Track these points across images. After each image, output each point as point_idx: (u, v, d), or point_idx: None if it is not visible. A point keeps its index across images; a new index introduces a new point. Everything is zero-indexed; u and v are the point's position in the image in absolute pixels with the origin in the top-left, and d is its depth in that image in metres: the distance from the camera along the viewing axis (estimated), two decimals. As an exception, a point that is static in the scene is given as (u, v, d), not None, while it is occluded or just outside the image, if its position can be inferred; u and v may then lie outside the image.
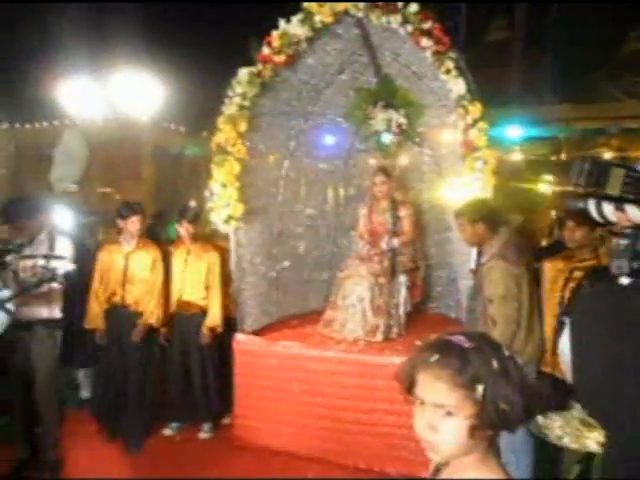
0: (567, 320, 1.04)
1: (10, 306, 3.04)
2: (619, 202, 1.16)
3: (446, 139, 4.12)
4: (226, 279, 4.29)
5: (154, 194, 8.47)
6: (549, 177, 7.94)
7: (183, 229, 4.17)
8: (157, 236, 4.59)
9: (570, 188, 1.19)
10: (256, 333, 4.22)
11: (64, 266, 3.30)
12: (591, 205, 1.21)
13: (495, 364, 1.04)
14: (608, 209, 1.18)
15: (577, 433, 2.19)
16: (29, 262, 3.31)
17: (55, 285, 3.38)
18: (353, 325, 4.12)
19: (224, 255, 4.33)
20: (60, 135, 8.63)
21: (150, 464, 3.82)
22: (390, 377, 4.02)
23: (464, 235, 3.33)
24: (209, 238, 4.50)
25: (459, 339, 1.08)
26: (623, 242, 1.16)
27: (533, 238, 6.10)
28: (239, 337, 4.08)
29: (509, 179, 6.30)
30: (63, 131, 8.47)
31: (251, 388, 4.00)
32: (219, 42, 8.25)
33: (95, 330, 4.08)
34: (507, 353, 1.09)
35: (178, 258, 4.22)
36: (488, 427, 1.04)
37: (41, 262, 3.30)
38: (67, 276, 3.28)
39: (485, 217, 3.19)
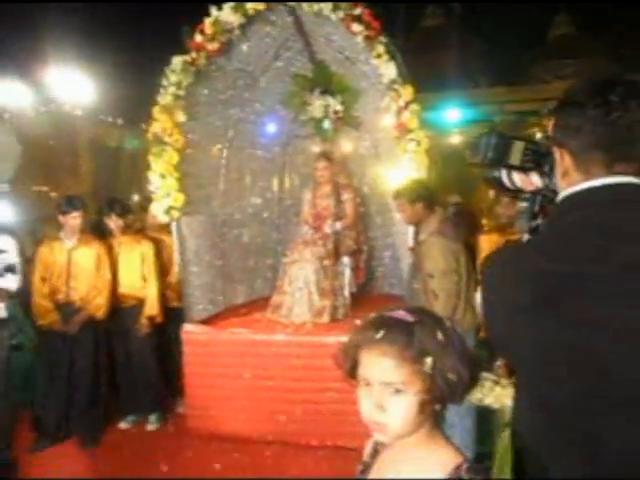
0: None
1: None
2: (521, 171, 1.31)
3: (382, 122, 4.23)
4: (163, 269, 4.30)
5: (94, 188, 8.27)
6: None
7: (112, 222, 4.14)
8: (103, 231, 4.51)
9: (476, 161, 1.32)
10: (204, 322, 4.23)
11: (6, 259, 3.23)
12: (503, 174, 1.35)
13: (440, 335, 1.03)
14: (517, 177, 1.33)
15: (494, 393, 2.32)
16: None
17: None
18: (300, 308, 4.19)
19: (160, 246, 4.32)
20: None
21: (105, 458, 3.80)
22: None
23: (403, 215, 3.45)
24: (140, 230, 4.48)
25: (401, 314, 1.07)
26: (524, 205, 1.33)
27: (472, 217, 6.33)
28: (187, 327, 4.07)
29: (448, 161, 6.51)
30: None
31: (202, 377, 4.01)
32: (153, 32, 8.10)
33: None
34: (448, 324, 1.09)
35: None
36: (437, 400, 1.03)
37: None
38: (10, 269, 3.21)
39: (423, 197, 3.31)
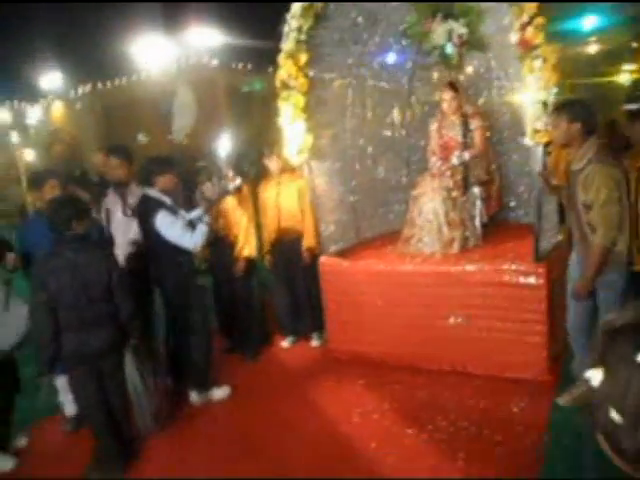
0: None
1: (206, 219, 3.66)
2: None
3: (508, 42, 4.01)
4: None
5: (232, 132, 8.83)
6: (629, 66, 7.34)
7: (273, 163, 4.52)
8: (244, 173, 4.91)
9: None
10: (339, 255, 4.49)
11: (233, 183, 3.95)
12: None
13: None
14: None
15: None
16: (209, 183, 4.04)
17: None
18: (430, 240, 4.28)
19: None
20: (133, 90, 9.25)
21: (262, 373, 4.43)
22: (466, 284, 4.11)
23: (556, 132, 3.16)
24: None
25: None
26: None
27: (617, 133, 5.78)
28: (323, 259, 4.39)
29: (584, 74, 5.95)
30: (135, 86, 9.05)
31: (338, 304, 4.34)
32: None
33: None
34: None
35: (269, 191, 4.63)
36: None
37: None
38: (238, 189, 4.01)
39: (583, 118, 3.04)
